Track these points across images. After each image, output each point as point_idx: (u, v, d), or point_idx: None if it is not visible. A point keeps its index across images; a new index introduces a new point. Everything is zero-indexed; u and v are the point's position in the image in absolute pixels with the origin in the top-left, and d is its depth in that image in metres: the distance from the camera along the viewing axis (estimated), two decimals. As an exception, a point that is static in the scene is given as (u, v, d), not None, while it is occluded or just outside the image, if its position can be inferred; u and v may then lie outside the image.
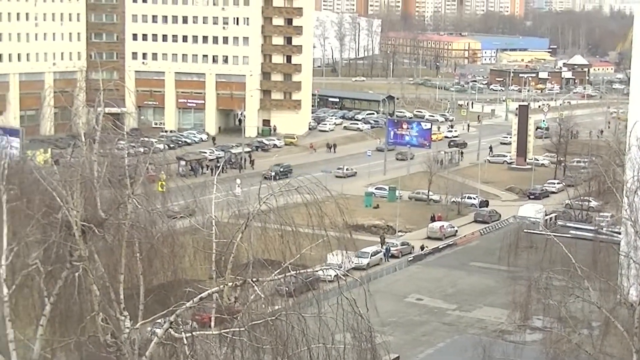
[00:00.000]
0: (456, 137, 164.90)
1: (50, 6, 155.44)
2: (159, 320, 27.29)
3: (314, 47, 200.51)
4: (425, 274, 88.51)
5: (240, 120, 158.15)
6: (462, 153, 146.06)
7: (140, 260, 28.94)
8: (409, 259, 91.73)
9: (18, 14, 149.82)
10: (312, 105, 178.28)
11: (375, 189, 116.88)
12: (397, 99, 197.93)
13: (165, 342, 26.71)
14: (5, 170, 30.04)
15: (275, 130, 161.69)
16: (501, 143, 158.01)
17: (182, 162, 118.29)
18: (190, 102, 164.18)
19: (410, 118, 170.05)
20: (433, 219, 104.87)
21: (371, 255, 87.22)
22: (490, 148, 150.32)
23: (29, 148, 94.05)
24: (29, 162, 37.75)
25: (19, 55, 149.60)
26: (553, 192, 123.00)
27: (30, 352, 28.64)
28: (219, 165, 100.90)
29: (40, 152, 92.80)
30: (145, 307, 28.63)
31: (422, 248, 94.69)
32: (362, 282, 30.13)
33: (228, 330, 26.71)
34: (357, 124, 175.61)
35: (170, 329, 26.03)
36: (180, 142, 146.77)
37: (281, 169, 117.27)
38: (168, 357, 27.49)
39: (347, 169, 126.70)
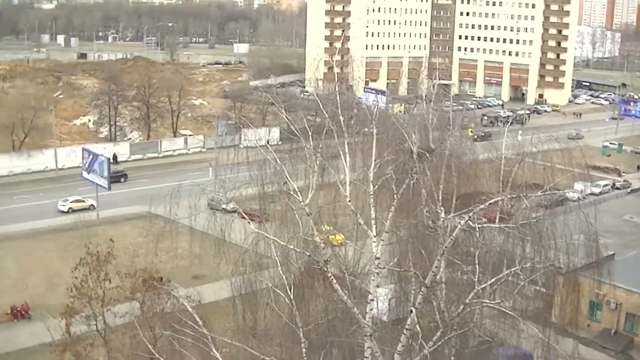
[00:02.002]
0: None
1: (410, 16, 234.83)
2: (463, 215, 32.76)
3: (575, 48, 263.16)
4: (637, 201, 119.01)
5: (523, 93, 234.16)
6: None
7: (454, 177, 35.55)
8: (628, 191, 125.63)
9: (389, 21, 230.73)
10: (571, 86, 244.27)
11: (609, 143, 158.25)
12: (628, 86, 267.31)
13: (465, 229, 32.32)
14: (376, 115, 36.76)
15: (546, 101, 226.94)
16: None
17: (485, 118, 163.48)
18: (492, 80, 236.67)
19: (637, 99, 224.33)
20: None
21: (602, 187, 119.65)
22: None
23: (390, 103, 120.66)
24: (389, 111, 48.38)
25: (388, 45, 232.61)
26: None
27: (382, 227, 34.00)
28: (508, 120, 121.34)
29: (396, 105, 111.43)
30: (455, 206, 34.74)
31: None
32: (594, 203, 38.94)
33: (506, 225, 33.70)
34: (600, 100, 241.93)
35: (469, 221, 31.57)
36: (484, 105, 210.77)
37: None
38: (466, 238, 34.26)
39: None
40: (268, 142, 38.35)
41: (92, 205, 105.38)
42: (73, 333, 51.95)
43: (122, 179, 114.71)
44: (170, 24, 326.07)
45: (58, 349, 51.13)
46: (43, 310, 66.71)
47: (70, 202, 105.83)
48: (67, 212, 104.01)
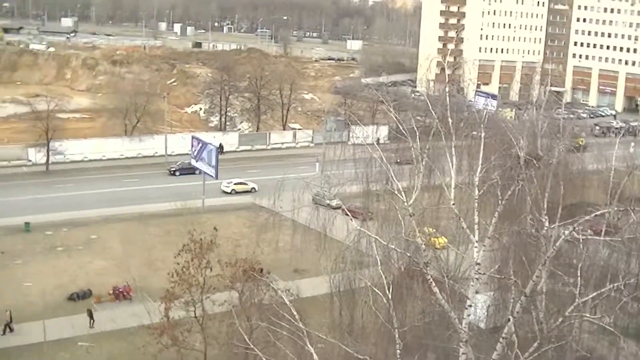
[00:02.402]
0: None
1: (525, 20, 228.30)
2: (568, 225, 32.12)
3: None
4: None
5: (637, 104, 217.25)
6: None
7: (561, 186, 35.31)
8: None
9: (503, 24, 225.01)
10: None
11: None
12: None
13: (569, 240, 31.56)
14: (485, 119, 36.62)
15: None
16: None
17: (597, 127, 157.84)
18: (606, 89, 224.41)
19: None
20: None
21: None
22: None
23: (500, 107, 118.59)
24: (499, 115, 47.86)
25: (501, 49, 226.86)
26: None
27: (485, 232, 33.61)
28: (620, 132, 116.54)
29: (507, 110, 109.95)
30: (560, 215, 34.46)
31: None
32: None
33: (611, 239, 33.13)
34: None
35: (573, 232, 30.76)
36: (596, 114, 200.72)
37: None
38: (569, 249, 33.40)
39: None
40: (377, 141, 37.80)
41: (253, 188, 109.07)
42: (172, 317, 52.86)
43: (198, 172, 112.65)
44: (285, 18, 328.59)
45: (156, 331, 52.07)
46: (144, 293, 67.97)
47: (234, 184, 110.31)
48: (230, 193, 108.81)
